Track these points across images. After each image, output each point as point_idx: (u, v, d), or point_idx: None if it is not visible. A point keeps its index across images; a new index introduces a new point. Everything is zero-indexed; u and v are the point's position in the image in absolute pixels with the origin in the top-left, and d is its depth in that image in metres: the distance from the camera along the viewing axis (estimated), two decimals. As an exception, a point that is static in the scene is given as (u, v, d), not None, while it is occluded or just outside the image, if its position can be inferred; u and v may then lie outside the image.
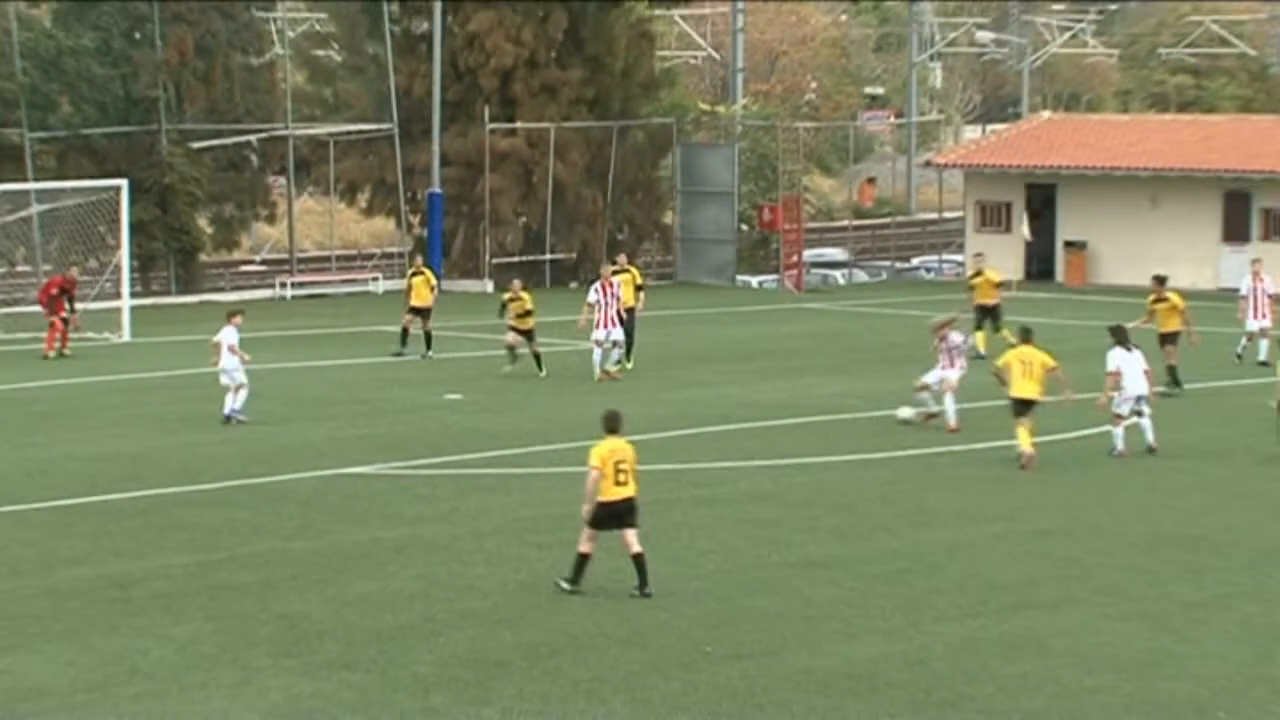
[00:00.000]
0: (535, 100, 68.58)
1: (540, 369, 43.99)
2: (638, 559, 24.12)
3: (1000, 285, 49.02)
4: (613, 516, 24.09)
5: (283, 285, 66.12)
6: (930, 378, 37.26)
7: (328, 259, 73.02)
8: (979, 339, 46.67)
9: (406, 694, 20.17)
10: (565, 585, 24.21)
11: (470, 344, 49.48)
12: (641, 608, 23.63)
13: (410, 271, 49.66)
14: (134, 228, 56.38)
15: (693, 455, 34.47)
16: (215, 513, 29.18)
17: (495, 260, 68.07)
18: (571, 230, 69.94)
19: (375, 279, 68.43)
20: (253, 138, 68.42)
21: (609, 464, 24.01)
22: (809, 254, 72.21)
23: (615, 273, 45.50)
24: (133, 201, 55.47)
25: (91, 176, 59.61)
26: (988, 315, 47.82)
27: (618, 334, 44.14)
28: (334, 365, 46.68)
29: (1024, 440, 33.28)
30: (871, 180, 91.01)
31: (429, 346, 47.51)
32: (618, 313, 44.07)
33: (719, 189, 71.34)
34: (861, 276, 73.79)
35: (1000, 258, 69.76)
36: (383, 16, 69.52)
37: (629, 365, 44.67)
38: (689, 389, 42.57)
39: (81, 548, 26.85)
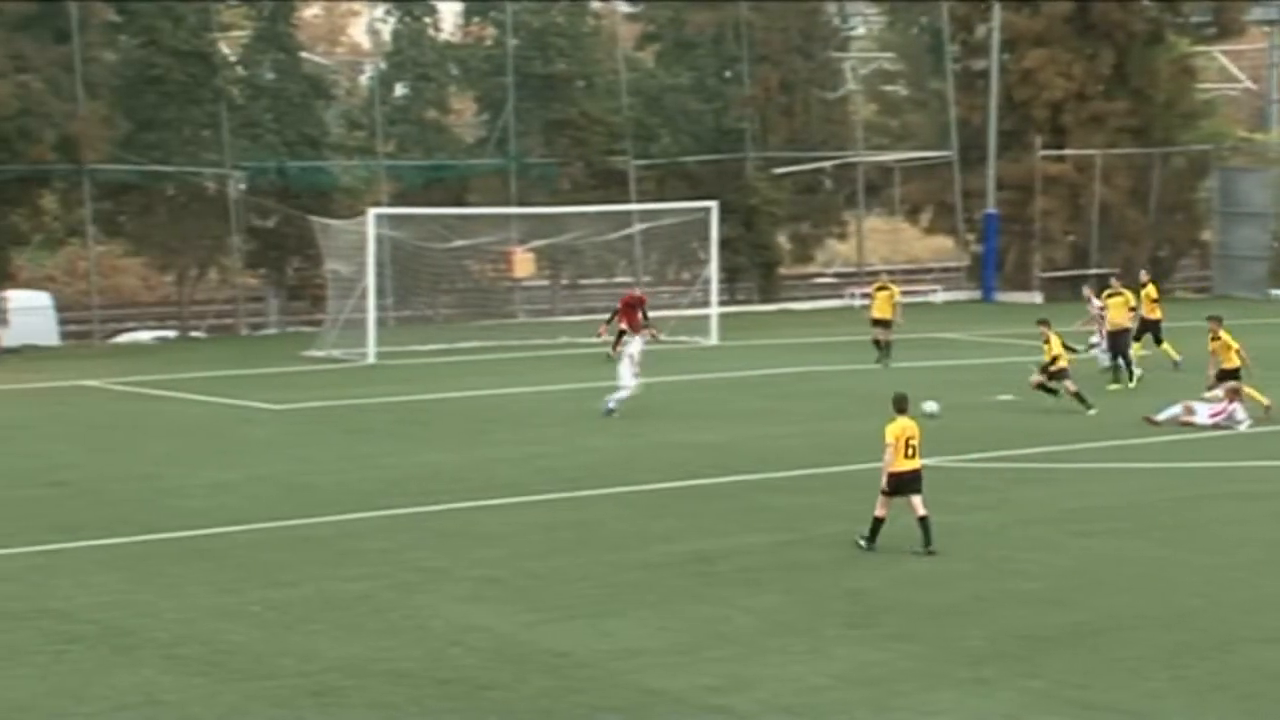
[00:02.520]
0: (1083, 129, 67.51)
1: (888, 355, 46.35)
2: (923, 521, 24.90)
3: (1134, 309, 45.14)
4: (903, 485, 24.92)
5: (851, 295, 66.18)
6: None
7: (892, 272, 72.93)
8: (1168, 349, 45.36)
9: (960, 665, 19.87)
10: (863, 543, 25.07)
11: (1017, 349, 48.72)
12: (1180, 594, 22.90)
13: (876, 286, 49.13)
14: (722, 244, 57.07)
15: (1229, 454, 33.35)
16: (792, 497, 29.27)
17: (1044, 275, 67.14)
18: (1115, 247, 68.52)
19: (935, 291, 68.09)
20: (827, 164, 68.85)
21: (901, 440, 24.93)
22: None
23: (1109, 295, 43.92)
24: (721, 221, 56.17)
25: (686, 199, 60.56)
26: (1148, 329, 45.56)
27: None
28: (893, 368, 46.43)
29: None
30: None
31: (888, 355, 46.83)
32: (1105, 333, 43.57)
33: (1255, 210, 69.29)
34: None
35: None
36: (945, 56, 69.39)
37: (1129, 385, 42.48)
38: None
39: (674, 526, 27.18)
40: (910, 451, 24.98)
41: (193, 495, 29.82)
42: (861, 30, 77.52)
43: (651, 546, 25.74)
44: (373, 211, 52.18)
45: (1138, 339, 45.24)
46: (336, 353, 50.27)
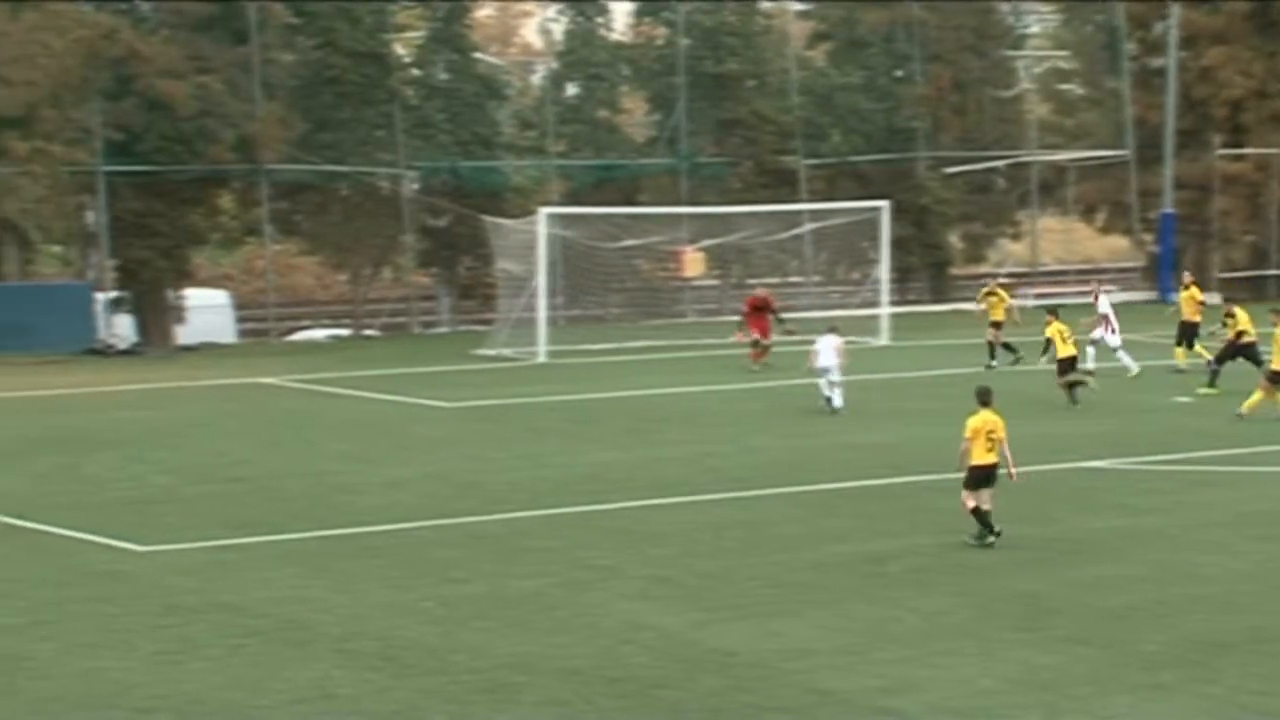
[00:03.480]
0: (1263, 127, 66.63)
1: (1005, 355, 46.20)
2: (982, 512, 25.16)
3: (1202, 304, 46.02)
4: (980, 478, 25.04)
5: (1024, 296, 65.66)
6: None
7: (1065, 272, 72.47)
8: (1200, 351, 45.05)
9: (1136, 670, 19.63)
10: (972, 540, 25.12)
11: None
12: (1360, 601, 22.53)
13: (985, 291, 48.93)
14: (893, 244, 56.86)
15: None
16: (959, 499, 29.05)
17: (1222, 275, 66.29)
18: (1296, 247, 67.70)
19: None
20: (1000, 163, 68.38)
21: (980, 434, 25.10)
22: None
23: (1227, 315, 43.37)
24: (892, 220, 55.93)
25: (856, 198, 60.41)
26: (1186, 332, 45.60)
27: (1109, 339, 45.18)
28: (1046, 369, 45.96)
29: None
30: None
31: (992, 357, 46.66)
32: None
33: None
34: None
35: None
36: (1122, 54, 68.66)
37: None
38: None
39: (844, 526, 27.09)
40: (989, 445, 25.11)
41: (366, 492, 30.13)
42: (1036, 28, 76.98)
43: (821, 547, 25.67)
44: (544, 211, 52.47)
45: (1178, 344, 45.30)
46: (507, 351, 50.59)
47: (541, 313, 50.33)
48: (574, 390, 43.47)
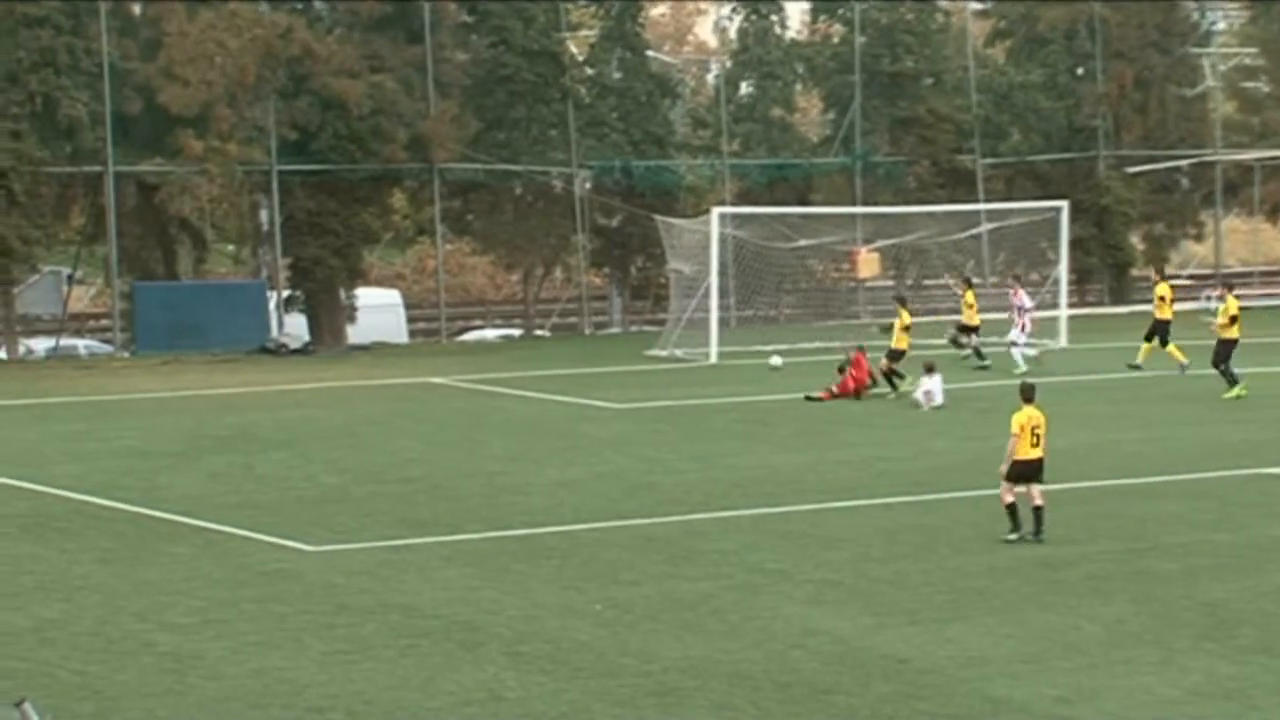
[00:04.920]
0: None
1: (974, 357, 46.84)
2: (1037, 510, 25.58)
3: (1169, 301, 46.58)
4: (1025, 473, 25.57)
5: (1207, 298, 64.72)
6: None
7: (1251, 274, 71.47)
8: (1143, 350, 45.62)
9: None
10: (1011, 537, 25.47)
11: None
12: None
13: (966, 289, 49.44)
14: (1072, 244, 56.32)
15: None
16: (1141, 505, 28.74)
17: None
18: None
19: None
20: (1183, 163, 67.58)
21: (1026, 429, 25.66)
22: None
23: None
24: (1071, 221, 55.41)
25: (1034, 198, 59.94)
26: (1157, 330, 45.70)
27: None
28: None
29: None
30: None
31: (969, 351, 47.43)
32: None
33: None
34: None
35: None
36: (1309, 50, 67.73)
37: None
38: None
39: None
40: (1035, 440, 25.58)
41: (536, 492, 30.27)
42: (1222, 25, 75.94)
43: (996, 552, 25.45)
44: (716, 211, 52.46)
45: (1147, 339, 45.32)
46: (678, 352, 50.64)
47: (713, 313, 50.32)
48: (746, 392, 43.43)
